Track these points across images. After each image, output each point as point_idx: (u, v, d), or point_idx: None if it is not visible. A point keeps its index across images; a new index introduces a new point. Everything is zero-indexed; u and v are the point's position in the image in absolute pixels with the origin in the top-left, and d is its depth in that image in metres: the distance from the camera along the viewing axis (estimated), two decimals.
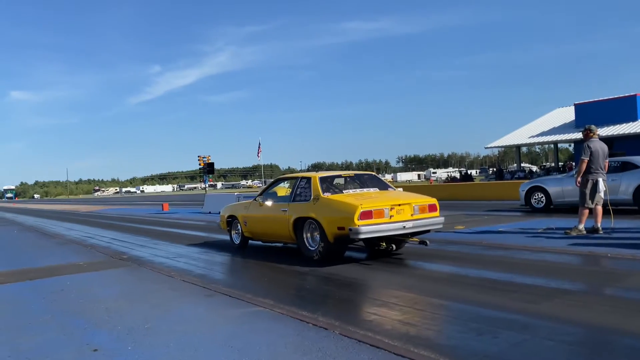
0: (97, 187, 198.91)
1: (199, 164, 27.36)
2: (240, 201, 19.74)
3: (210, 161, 28.37)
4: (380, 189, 7.21)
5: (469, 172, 65.55)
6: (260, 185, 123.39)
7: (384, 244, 6.88)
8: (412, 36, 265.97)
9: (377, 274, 6.11)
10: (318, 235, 6.47)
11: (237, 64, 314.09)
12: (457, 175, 54.41)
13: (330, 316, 4.18)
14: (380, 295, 5.11)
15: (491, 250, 7.38)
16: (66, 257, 9.12)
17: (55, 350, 3.70)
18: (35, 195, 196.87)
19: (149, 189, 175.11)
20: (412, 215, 6.36)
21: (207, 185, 29.99)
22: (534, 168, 66.62)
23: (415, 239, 6.84)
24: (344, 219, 5.99)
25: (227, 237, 9.71)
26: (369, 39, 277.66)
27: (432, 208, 6.74)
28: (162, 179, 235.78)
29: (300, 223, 6.72)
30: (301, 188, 7.05)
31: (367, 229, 5.91)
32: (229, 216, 8.92)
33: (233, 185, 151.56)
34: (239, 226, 8.53)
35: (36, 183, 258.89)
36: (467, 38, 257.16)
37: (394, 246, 6.99)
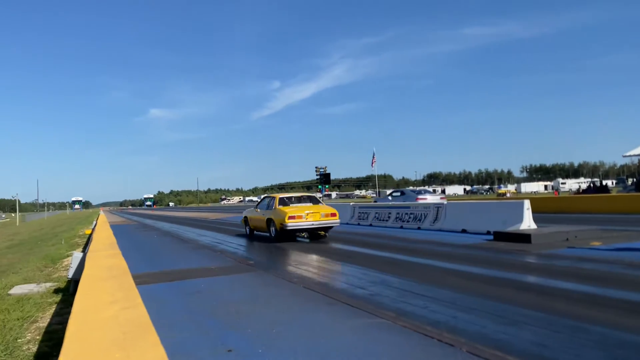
0: (223, 196, 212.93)
1: (316, 174, 28.11)
2: (355, 212, 19.93)
3: (326, 172, 29.06)
4: (313, 203, 12.45)
5: (603, 182, 59.52)
6: (374, 195, 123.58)
7: (304, 234, 12.51)
8: (534, 39, 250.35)
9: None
10: (274, 228, 11.81)
11: (353, 76, 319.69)
12: (588, 186, 49.73)
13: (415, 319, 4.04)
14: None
15: (634, 269, 6.63)
16: (199, 261, 9.88)
17: (195, 348, 4.01)
18: (170, 203, 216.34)
19: None
20: (320, 218, 11.30)
21: (323, 195, 30.67)
22: None
23: (322, 232, 12.41)
24: (281, 220, 11.23)
25: (333, 245, 9.85)
26: (488, 43, 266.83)
27: (333, 215, 11.83)
28: (281, 188, 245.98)
29: (268, 221, 12.16)
30: (270, 202, 12.77)
31: (292, 225, 11.14)
32: (244, 217, 15.09)
33: (347, 195, 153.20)
34: (248, 222, 14.60)
35: (171, 192, 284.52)
36: (598, 37, 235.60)
37: (322, 233, 12.50)
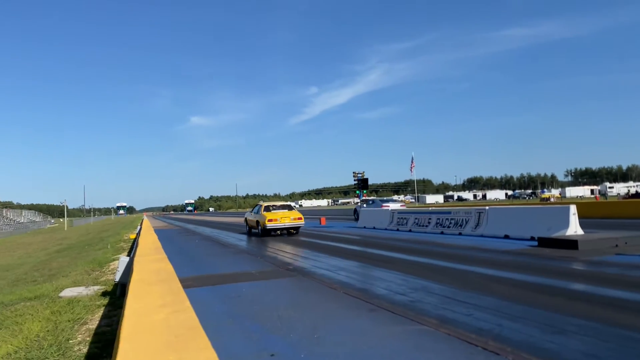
0: (262, 202, 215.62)
1: (354, 180, 28.04)
2: (394, 217, 19.77)
3: (364, 177, 28.94)
4: (288, 210, 16.96)
5: None
6: (413, 200, 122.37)
7: (279, 232, 16.51)
8: (575, 39, 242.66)
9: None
10: (260, 227, 16.07)
11: (389, 80, 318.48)
12: (636, 190, 47.62)
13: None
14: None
15: None
16: (240, 266, 10.03)
17: (240, 351, 4.08)
18: (210, 209, 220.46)
19: (306, 203, 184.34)
20: (290, 221, 15.32)
21: (360, 200, 30.56)
22: None
23: (292, 230, 16.85)
24: (264, 221, 15.63)
25: (372, 251, 9.81)
26: (527, 45, 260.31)
27: (299, 218, 16.25)
28: (318, 193, 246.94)
29: (257, 222, 16.39)
30: (259, 209, 17.24)
31: (270, 226, 15.61)
32: (245, 218, 19.61)
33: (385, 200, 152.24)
34: (247, 222, 19.09)
35: (211, 197, 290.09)
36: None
37: (293, 231, 16.90)
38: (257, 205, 19.57)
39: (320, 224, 26.60)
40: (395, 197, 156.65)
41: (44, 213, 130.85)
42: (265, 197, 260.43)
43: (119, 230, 39.84)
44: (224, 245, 16.19)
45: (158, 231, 26.03)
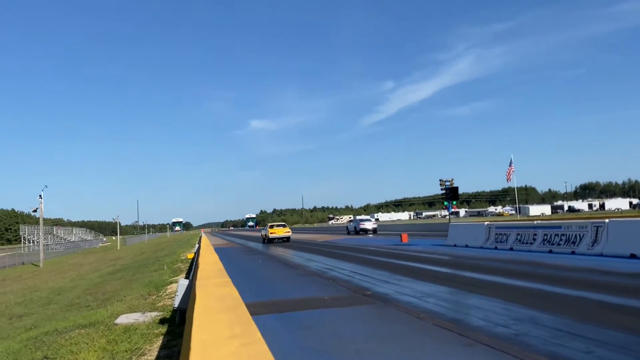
0: (331, 215, 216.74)
1: (441, 189, 27.62)
2: (491, 233, 19.27)
3: (453, 185, 28.42)
4: (282, 227, 36.20)
5: None
6: (513, 212, 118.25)
7: (275, 240, 34.93)
8: None
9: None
10: (266, 238, 35.85)
11: (481, 69, 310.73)
12: None
13: None
14: None
15: None
16: (309, 290, 10.18)
17: None
18: (357, 217, 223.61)
19: (383, 216, 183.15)
20: (282, 233, 34.27)
21: (450, 213, 30.05)
22: None
23: (284, 240, 35.41)
24: (267, 234, 35.10)
25: (466, 273, 9.60)
26: None
27: (288, 232, 35.37)
28: (397, 205, 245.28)
29: (265, 235, 36.55)
30: (266, 227, 38.97)
31: (271, 237, 34.41)
32: (261, 234, 39.33)
33: (479, 212, 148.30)
34: (261, 236, 38.87)
35: (274, 211, 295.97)
36: None
37: (284, 240, 35.16)
38: (266, 225, 41.55)
39: (401, 241, 26.38)
40: (491, 208, 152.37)
41: (96, 230, 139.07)
42: (335, 210, 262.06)
43: (175, 249, 41.62)
44: (291, 266, 16.47)
45: (218, 250, 26.90)
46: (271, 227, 36.89)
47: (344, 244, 29.59)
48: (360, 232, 41.92)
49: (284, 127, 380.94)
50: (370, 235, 38.48)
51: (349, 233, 43.83)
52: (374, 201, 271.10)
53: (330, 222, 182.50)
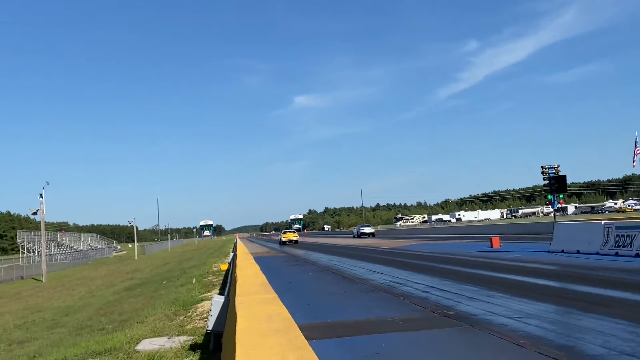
0: (399, 215, 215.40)
1: (543, 179, 27.08)
2: (610, 235, 18.81)
3: (558, 173, 27.84)
4: (293, 232, 71.43)
5: None
6: (638, 206, 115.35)
7: (287, 242, 62.59)
8: None
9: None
10: (283, 241, 63.62)
11: (592, 21, 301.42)
12: None
13: None
14: None
15: None
16: (374, 310, 10.21)
17: None
18: (326, 226, 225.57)
19: (467, 216, 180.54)
20: (292, 237, 65.10)
21: (555, 210, 29.48)
22: None
23: (293, 242, 64.43)
24: (282, 238, 65.46)
25: (578, 287, 9.38)
26: None
27: (296, 236, 67.54)
28: (485, 201, 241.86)
29: (280, 239, 66.69)
30: (281, 232, 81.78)
31: (284, 240, 63.34)
32: (279, 238, 69.55)
33: (592, 208, 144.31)
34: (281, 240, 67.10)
35: (325, 211, 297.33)
36: None
37: (294, 242, 63.76)
38: (281, 231, 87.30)
39: (490, 246, 26.06)
40: (609, 202, 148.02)
41: (108, 237, 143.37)
42: (404, 209, 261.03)
43: (205, 259, 42.55)
44: (350, 279, 16.55)
45: (258, 259, 27.32)
46: (284, 232, 68.54)
47: (416, 251, 29.47)
48: (362, 236, 70.70)
49: (336, 104, 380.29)
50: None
51: (354, 237, 75.05)
52: (455, 196, 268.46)
53: (397, 223, 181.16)
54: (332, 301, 12.24)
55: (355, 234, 75.07)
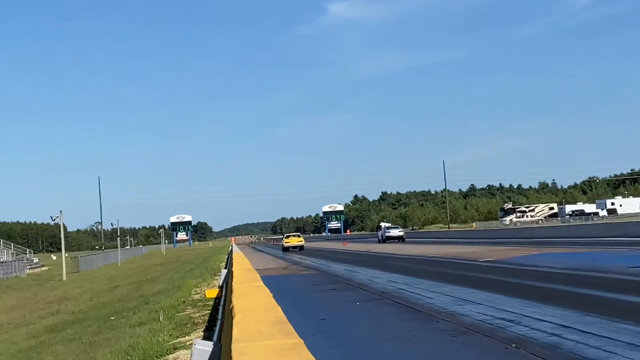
0: (507, 204, 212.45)
1: None
2: None
3: None
4: (297, 237, 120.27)
5: None
6: None
7: (290, 248, 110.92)
8: None
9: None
10: (282, 246, 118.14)
11: None
12: None
13: None
14: None
15: None
16: None
17: None
18: (383, 223, 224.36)
19: (629, 203, 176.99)
20: (296, 242, 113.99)
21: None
22: None
23: (297, 248, 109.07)
24: (284, 243, 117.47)
25: None
26: None
27: (300, 241, 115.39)
28: None
29: (283, 244, 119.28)
30: (284, 237, 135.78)
31: (287, 245, 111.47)
32: (282, 243, 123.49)
33: None
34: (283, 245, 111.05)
35: (382, 197, 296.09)
36: None
37: (298, 248, 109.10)
38: (283, 236, 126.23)
39: None
40: None
41: (18, 242, 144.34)
42: (514, 193, 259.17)
43: (180, 280, 42.63)
44: (425, 313, 16.44)
45: (267, 279, 27.42)
46: (287, 237, 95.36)
47: (540, 264, 29.26)
48: (387, 241, 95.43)
49: (398, 15, 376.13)
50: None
51: (378, 241, 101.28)
52: (604, 173, 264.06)
53: (506, 218, 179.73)
54: (397, 354, 12.15)
55: (381, 237, 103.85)
